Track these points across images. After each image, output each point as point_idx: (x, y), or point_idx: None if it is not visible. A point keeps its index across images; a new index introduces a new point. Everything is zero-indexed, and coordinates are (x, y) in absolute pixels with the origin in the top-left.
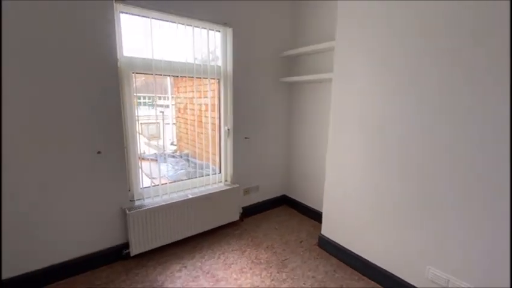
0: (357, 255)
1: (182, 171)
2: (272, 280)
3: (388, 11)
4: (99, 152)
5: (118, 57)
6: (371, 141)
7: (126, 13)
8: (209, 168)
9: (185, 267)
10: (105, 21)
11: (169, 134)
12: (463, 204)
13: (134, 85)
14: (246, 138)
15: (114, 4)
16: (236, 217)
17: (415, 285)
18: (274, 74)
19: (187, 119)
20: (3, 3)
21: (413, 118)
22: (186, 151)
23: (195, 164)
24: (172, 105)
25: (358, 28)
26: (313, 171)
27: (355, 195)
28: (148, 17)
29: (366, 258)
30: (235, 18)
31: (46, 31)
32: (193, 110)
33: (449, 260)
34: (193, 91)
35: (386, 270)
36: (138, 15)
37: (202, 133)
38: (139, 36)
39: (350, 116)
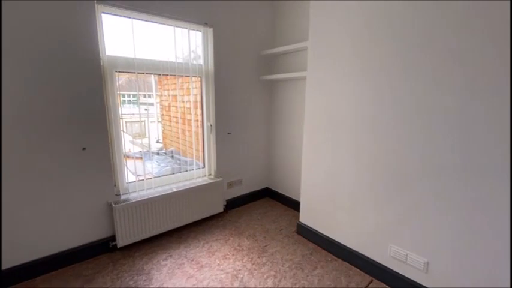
0: (331, 238)
1: (167, 167)
2: (253, 264)
3: (348, 15)
4: (84, 149)
5: (101, 56)
6: (338, 136)
7: (108, 13)
8: (194, 163)
9: (171, 256)
10: (86, 22)
11: (155, 131)
12: (418, 189)
13: (117, 83)
14: (228, 133)
15: (96, 5)
16: (220, 209)
17: (380, 261)
18: (254, 72)
19: (172, 117)
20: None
21: (371, 115)
22: (171, 148)
23: (180, 160)
24: (157, 103)
25: (326, 30)
26: (293, 163)
27: (327, 185)
28: (130, 17)
29: (338, 241)
30: (215, 19)
31: (29, 32)
32: (178, 107)
33: (407, 238)
34: (176, 89)
35: (355, 251)
36: (120, 16)
37: (187, 130)
38: (122, 35)
39: (321, 113)
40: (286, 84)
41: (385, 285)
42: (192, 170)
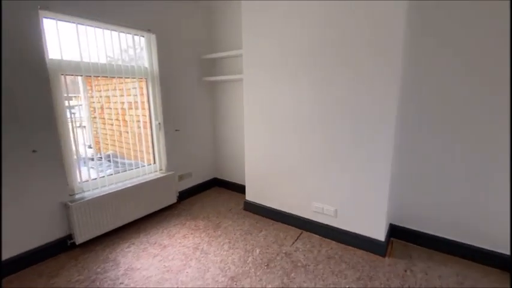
0: (271, 208)
1: (109, 170)
2: (210, 237)
3: (271, 27)
4: (34, 151)
5: (46, 60)
6: (271, 124)
7: (51, 18)
8: (139, 163)
9: (133, 244)
10: (29, 27)
11: (85, 135)
12: (327, 162)
13: (65, 86)
14: (176, 130)
15: (39, 11)
16: (174, 200)
17: (306, 216)
18: (197, 74)
19: (107, 119)
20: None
21: (294, 107)
22: (109, 152)
23: (120, 163)
24: (86, 104)
25: (255, 38)
26: (237, 153)
27: (264, 164)
28: (74, 23)
29: (277, 208)
30: (157, 26)
31: None
32: (116, 109)
33: (323, 195)
34: (108, 90)
35: (288, 213)
36: (64, 21)
37: (127, 131)
38: (68, 39)
39: (258, 106)
40: (227, 85)
41: (311, 233)
42: (144, 166)
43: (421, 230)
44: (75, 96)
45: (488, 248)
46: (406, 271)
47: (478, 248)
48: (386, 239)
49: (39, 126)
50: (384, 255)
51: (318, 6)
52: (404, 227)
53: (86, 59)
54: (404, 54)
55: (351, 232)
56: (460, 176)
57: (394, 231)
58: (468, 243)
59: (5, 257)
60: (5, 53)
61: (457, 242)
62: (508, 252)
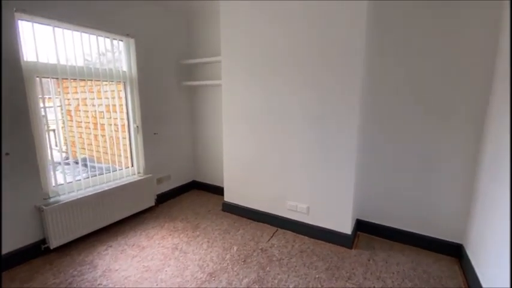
0: (248, 207)
1: (84, 174)
2: (189, 238)
3: (247, 36)
4: (7, 154)
5: (21, 62)
6: (249, 127)
7: (28, 21)
8: (116, 168)
9: (111, 246)
10: (4, 29)
11: (57, 139)
12: (299, 164)
13: (40, 89)
14: (155, 133)
15: (15, 13)
16: (152, 203)
17: (281, 215)
18: (176, 78)
19: (80, 122)
20: None
21: (267, 109)
22: (82, 156)
23: (97, 167)
24: (58, 106)
25: (233, 47)
26: (215, 156)
27: (242, 166)
28: (51, 25)
29: (254, 208)
30: (136, 30)
31: None
32: (93, 111)
33: (296, 194)
34: (85, 92)
35: (265, 212)
36: (41, 23)
37: (104, 135)
38: (43, 42)
39: (235, 110)
40: (205, 89)
41: (285, 230)
42: (121, 170)
43: (383, 224)
44: (48, 98)
45: (439, 237)
46: (369, 260)
47: (431, 237)
48: (353, 232)
49: (13, 128)
50: (350, 248)
51: (287, 18)
52: (368, 222)
53: (62, 62)
54: (363, 69)
55: (322, 227)
56: (410, 175)
57: (361, 225)
58: (422, 233)
59: None
60: None
61: (413, 232)
62: (455, 241)
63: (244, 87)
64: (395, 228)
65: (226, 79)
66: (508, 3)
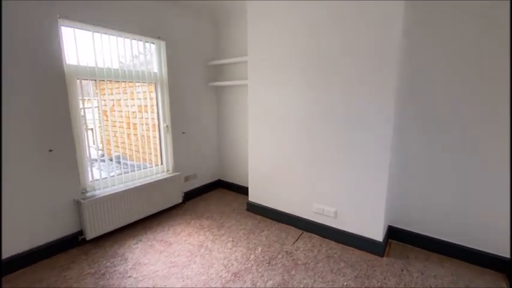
0: (273, 209)
1: (117, 172)
2: (214, 236)
3: (271, 39)
4: (50, 150)
5: (64, 65)
6: (273, 128)
7: (69, 27)
8: (146, 165)
9: (140, 240)
10: (50, 35)
11: (94, 138)
12: (328, 164)
13: (80, 90)
14: (183, 133)
15: (58, 19)
16: (179, 200)
17: (307, 217)
18: (203, 79)
19: (116, 122)
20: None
21: (298, 109)
22: (116, 153)
23: (128, 164)
24: (96, 107)
25: (259, 47)
26: (241, 155)
27: (267, 167)
28: (90, 31)
29: (279, 209)
30: (167, 33)
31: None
32: (126, 111)
33: (323, 197)
34: (120, 93)
35: (290, 213)
36: (81, 29)
37: (135, 134)
38: (83, 46)
39: (261, 110)
40: (231, 89)
41: (311, 233)
42: (152, 167)
43: (419, 232)
44: (87, 99)
45: (483, 250)
46: (402, 270)
47: (474, 249)
48: (384, 239)
49: (57, 127)
50: (381, 255)
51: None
52: (403, 229)
53: (100, 65)
54: (400, 58)
55: (350, 233)
56: (452, 180)
57: (393, 232)
58: (464, 244)
59: (17, 251)
60: (26, 60)
61: (454, 243)
62: (502, 255)
63: (270, 86)
64: (432, 237)
65: (253, 79)
66: (508, 3)
